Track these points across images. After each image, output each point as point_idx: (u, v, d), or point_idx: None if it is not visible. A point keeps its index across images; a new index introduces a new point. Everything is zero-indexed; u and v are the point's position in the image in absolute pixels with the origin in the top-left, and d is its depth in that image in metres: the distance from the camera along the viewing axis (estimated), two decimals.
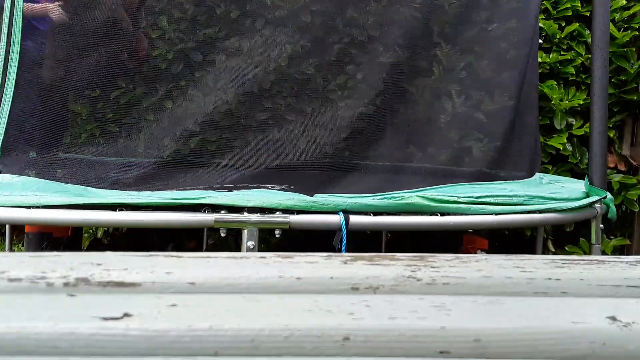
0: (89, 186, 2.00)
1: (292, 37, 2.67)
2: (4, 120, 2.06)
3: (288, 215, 1.84)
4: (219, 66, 2.67)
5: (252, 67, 2.61)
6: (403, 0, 2.68)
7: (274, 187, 2.05)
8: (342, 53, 2.71)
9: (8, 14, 2.05)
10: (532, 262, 0.76)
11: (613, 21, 2.94)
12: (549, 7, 3.01)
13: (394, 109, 2.56)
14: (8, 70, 2.05)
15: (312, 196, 1.92)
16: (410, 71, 2.69)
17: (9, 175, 2.02)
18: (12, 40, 2.04)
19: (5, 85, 2.04)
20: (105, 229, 3.11)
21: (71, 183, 1.99)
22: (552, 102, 2.91)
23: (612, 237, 3.03)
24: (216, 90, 2.55)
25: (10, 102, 2.05)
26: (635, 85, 2.98)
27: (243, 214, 1.83)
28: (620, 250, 3.07)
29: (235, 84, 2.53)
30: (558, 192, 2.15)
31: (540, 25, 2.91)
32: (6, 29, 2.04)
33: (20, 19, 2.06)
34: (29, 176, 2.04)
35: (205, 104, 2.49)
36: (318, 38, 2.71)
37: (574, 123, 2.91)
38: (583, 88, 2.97)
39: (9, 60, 2.05)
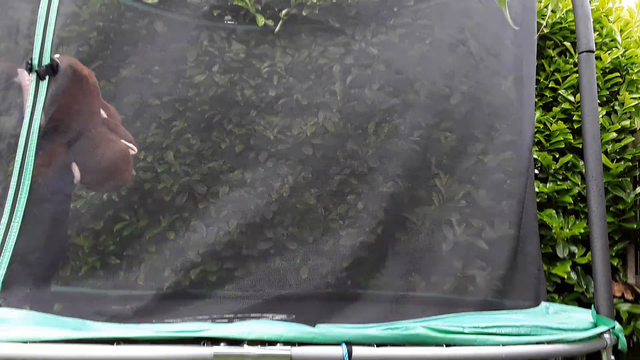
0: (88, 319, 1.96)
1: (294, 169, 2.76)
2: (8, 254, 2.06)
3: (289, 347, 1.79)
4: (222, 198, 2.73)
5: (254, 198, 2.67)
6: (401, 134, 2.80)
7: (274, 316, 2.02)
8: (342, 183, 2.79)
9: (22, 150, 2.12)
10: None
11: (606, 152, 3.03)
12: (542, 139, 3.12)
13: (395, 238, 2.58)
14: (16, 205, 2.09)
15: (314, 326, 1.87)
16: (410, 200, 2.74)
17: (7, 309, 1.99)
18: (23, 175, 2.10)
19: (13, 220, 2.07)
20: None
21: (69, 316, 1.96)
22: (553, 231, 2.93)
23: None
24: (219, 221, 2.59)
25: (16, 237, 2.07)
26: (633, 214, 3.01)
27: (243, 346, 1.78)
28: None
29: (238, 214, 2.57)
30: (565, 323, 2.10)
31: (535, 156, 3.00)
32: (19, 163, 2.11)
33: (33, 155, 2.13)
34: (28, 310, 2.02)
35: (207, 234, 2.51)
36: (319, 170, 2.79)
37: (576, 251, 2.91)
38: (582, 217, 3.00)
39: (18, 195, 2.09)
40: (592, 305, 2.18)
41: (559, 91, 3.18)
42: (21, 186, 2.09)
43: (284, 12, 3.04)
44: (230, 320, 1.94)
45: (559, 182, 3.06)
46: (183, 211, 2.76)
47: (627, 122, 3.09)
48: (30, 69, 2.08)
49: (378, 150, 2.87)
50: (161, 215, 2.76)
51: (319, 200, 2.79)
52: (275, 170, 2.81)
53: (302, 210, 2.75)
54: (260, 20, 3.05)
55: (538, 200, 2.91)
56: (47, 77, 2.09)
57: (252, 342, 1.80)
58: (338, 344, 1.83)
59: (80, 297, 2.27)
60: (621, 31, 3.32)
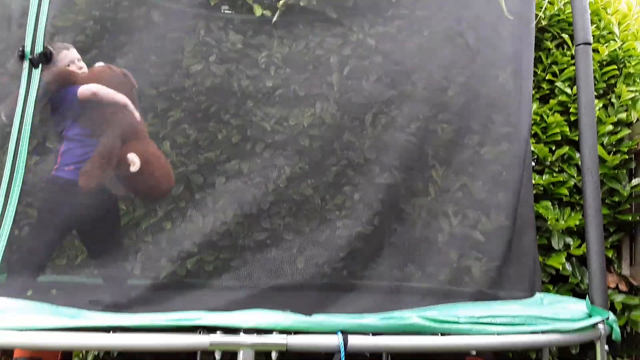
0: (83, 309, 1.96)
1: (290, 160, 2.76)
2: (3, 243, 2.05)
3: (285, 336, 1.80)
4: (218, 188, 2.73)
5: (251, 188, 2.67)
6: (398, 126, 2.79)
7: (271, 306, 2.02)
8: (339, 174, 2.79)
9: (15, 139, 2.11)
10: None
11: (602, 145, 3.03)
12: (539, 131, 3.12)
13: (391, 229, 2.58)
14: (11, 193, 2.07)
15: (310, 316, 1.88)
16: (407, 192, 2.74)
17: (3, 298, 1.99)
18: (17, 161, 2.09)
19: (7, 208, 2.06)
20: (96, 353, 3.02)
21: (65, 306, 1.95)
22: (549, 223, 2.94)
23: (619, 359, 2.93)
24: (215, 211, 2.59)
25: (10, 225, 2.06)
26: (629, 206, 3.02)
27: (239, 335, 1.78)
28: None
29: (234, 205, 2.57)
30: (559, 313, 2.11)
31: (532, 148, 3.00)
32: (12, 152, 2.10)
33: (27, 144, 2.12)
34: (24, 299, 2.01)
35: (204, 224, 2.51)
36: (316, 161, 2.79)
37: (571, 243, 2.92)
38: (578, 209, 3.01)
39: (13, 182, 2.08)
40: (587, 296, 2.19)
41: (556, 83, 3.19)
42: (15, 173, 2.08)
43: (281, 2, 3.03)
44: (227, 310, 1.94)
45: (555, 174, 3.07)
46: (179, 201, 2.76)
47: (623, 115, 3.10)
48: (22, 57, 2.06)
49: (375, 141, 2.87)
50: (157, 205, 2.76)
51: (315, 191, 2.79)
52: (272, 161, 2.81)
53: (299, 201, 2.75)
54: (258, 11, 3.04)
55: (534, 192, 2.91)
56: (40, 65, 2.08)
57: (248, 331, 1.80)
58: (334, 332, 1.83)
59: (76, 286, 2.27)
60: (619, 24, 3.32)
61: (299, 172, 2.77)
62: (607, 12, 3.33)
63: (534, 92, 3.00)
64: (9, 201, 2.07)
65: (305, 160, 2.81)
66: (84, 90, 2.33)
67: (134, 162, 2.27)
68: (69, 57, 2.45)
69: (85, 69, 2.48)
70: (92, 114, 2.35)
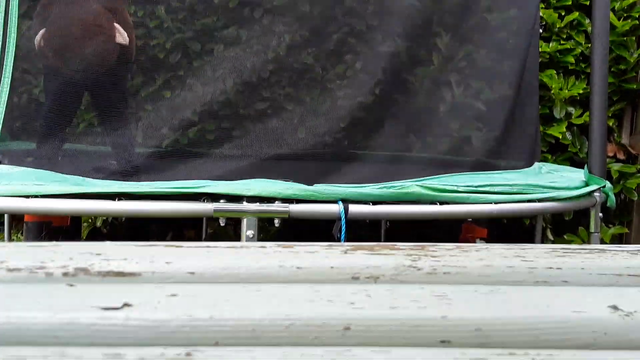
0: (87, 177, 1.99)
1: (290, 27, 2.66)
2: (2, 109, 2.04)
3: (287, 204, 1.84)
4: (217, 55, 2.66)
5: (250, 56, 2.60)
6: None
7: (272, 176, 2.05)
8: (340, 42, 2.70)
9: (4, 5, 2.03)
10: (533, 252, 0.76)
11: (613, 10, 2.92)
12: None
13: (393, 99, 2.55)
14: (5, 58, 2.03)
15: (311, 185, 1.91)
16: (410, 60, 2.68)
17: (7, 165, 2.01)
18: (9, 26, 2.02)
19: (3, 75, 2.03)
20: (104, 218, 3.11)
21: (69, 173, 1.98)
22: (552, 92, 2.90)
23: (610, 226, 3.03)
24: (214, 80, 2.54)
25: (7, 92, 2.04)
26: (634, 74, 2.97)
27: (242, 203, 1.83)
28: (618, 239, 3.07)
29: (234, 73, 2.52)
30: (557, 181, 2.14)
31: (540, 14, 2.90)
32: (2, 14, 2.02)
33: (17, 11, 2.04)
34: (28, 166, 2.04)
35: (203, 93, 2.47)
36: (316, 27, 2.70)
37: (573, 112, 2.91)
38: (582, 77, 2.96)
39: (7, 48, 2.03)
40: (585, 165, 2.21)
41: None
42: (8, 40, 2.02)
43: None
44: (230, 179, 1.97)
45: (562, 42, 2.98)
46: (178, 69, 2.70)
47: None
48: None
49: (378, 7, 2.75)
50: (155, 74, 2.70)
51: (316, 59, 2.72)
52: (271, 28, 2.71)
53: (299, 70, 2.69)
54: None
55: (539, 60, 2.85)
56: None
57: (251, 199, 1.85)
58: (335, 201, 1.88)
59: (80, 153, 2.28)
60: None
61: (299, 40, 2.69)
62: None
63: None
64: (4, 67, 2.04)
65: (306, 27, 2.71)
66: None
67: None
68: None
69: None
70: None
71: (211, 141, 2.39)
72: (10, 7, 2.05)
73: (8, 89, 2.04)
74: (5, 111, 2.04)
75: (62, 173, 1.96)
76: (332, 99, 2.56)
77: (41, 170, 1.97)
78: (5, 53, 2.03)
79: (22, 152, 2.23)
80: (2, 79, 2.02)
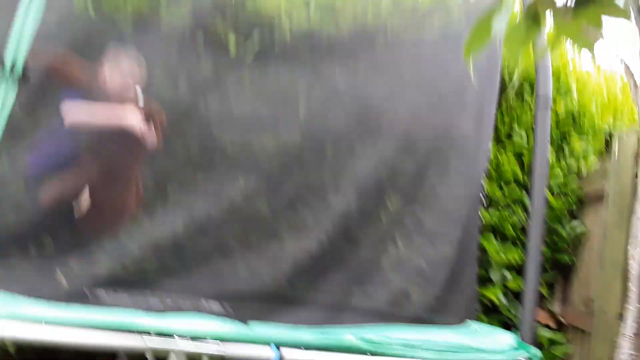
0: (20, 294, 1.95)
1: (248, 177, 2.77)
2: None
3: (219, 343, 1.82)
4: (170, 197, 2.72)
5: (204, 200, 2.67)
6: (357, 154, 2.84)
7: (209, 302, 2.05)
8: (295, 195, 2.82)
9: None
10: None
11: (550, 188, 3.14)
12: (492, 170, 3.22)
13: (338, 248, 2.64)
14: None
15: (247, 323, 1.91)
16: (360, 217, 2.79)
17: None
18: None
19: None
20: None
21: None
22: (490, 255, 3.03)
23: None
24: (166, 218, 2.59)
25: None
26: (567, 246, 3.13)
27: (173, 338, 1.80)
28: None
29: (185, 215, 2.57)
30: (488, 344, 2.19)
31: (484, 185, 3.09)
32: None
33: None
34: None
35: (152, 229, 2.52)
36: (274, 180, 2.81)
37: (508, 277, 3.01)
38: (518, 244, 3.10)
39: None
40: (516, 330, 2.28)
41: (513, 125, 3.29)
42: None
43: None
44: (167, 309, 1.96)
45: (502, 212, 3.16)
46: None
47: (574, 164, 3.24)
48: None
49: (334, 169, 2.88)
50: None
51: (269, 208, 2.80)
52: (229, 176, 2.79)
53: (252, 217, 2.75)
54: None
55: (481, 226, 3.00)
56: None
57: (183, 336, 1.82)
58: (268, 344, 1.87)
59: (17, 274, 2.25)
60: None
61: (255, 189, 2.78)
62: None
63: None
64: None
65: (263, 180, 2.81)
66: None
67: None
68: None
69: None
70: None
71: (152, 275, 2.39)
72: None
73: None
74: None
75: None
76: (280, 244, 2.63)
77: None
78: None
79: None
80: None
